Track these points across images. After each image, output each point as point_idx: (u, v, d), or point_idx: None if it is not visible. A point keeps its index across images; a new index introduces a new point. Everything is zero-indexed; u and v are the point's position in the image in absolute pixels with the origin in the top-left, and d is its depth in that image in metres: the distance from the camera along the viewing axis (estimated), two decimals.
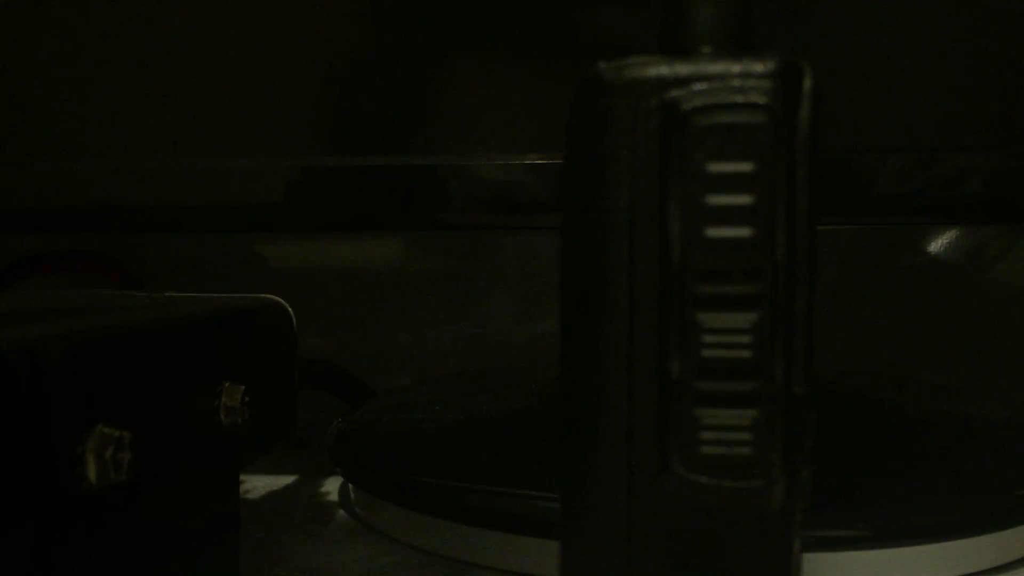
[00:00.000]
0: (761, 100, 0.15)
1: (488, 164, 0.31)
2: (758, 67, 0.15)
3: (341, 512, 0.32)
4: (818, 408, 0.16)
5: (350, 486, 0.33)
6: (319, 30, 0.31)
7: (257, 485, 0.35)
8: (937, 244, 0.47)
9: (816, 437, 0.15)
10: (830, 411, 0.32)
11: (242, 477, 0.23)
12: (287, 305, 0.26)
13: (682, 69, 0.15)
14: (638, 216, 0.15)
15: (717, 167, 0.15)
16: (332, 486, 0.35)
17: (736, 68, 0.15)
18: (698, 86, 0.15)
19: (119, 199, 0.34)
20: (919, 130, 0.29)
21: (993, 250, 0.47)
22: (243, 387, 0.21)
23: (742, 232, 0.15)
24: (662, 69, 0.15)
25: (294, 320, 0.26)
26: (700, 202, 0.15)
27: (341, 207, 0.34)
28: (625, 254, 0.15)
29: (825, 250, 0.16)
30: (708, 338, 0.15)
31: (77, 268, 0.42)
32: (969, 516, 0.26)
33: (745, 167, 0.15)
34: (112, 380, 0.17)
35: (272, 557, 0.28)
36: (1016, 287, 0.47)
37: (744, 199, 0.15)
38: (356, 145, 0.32)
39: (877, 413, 0.35)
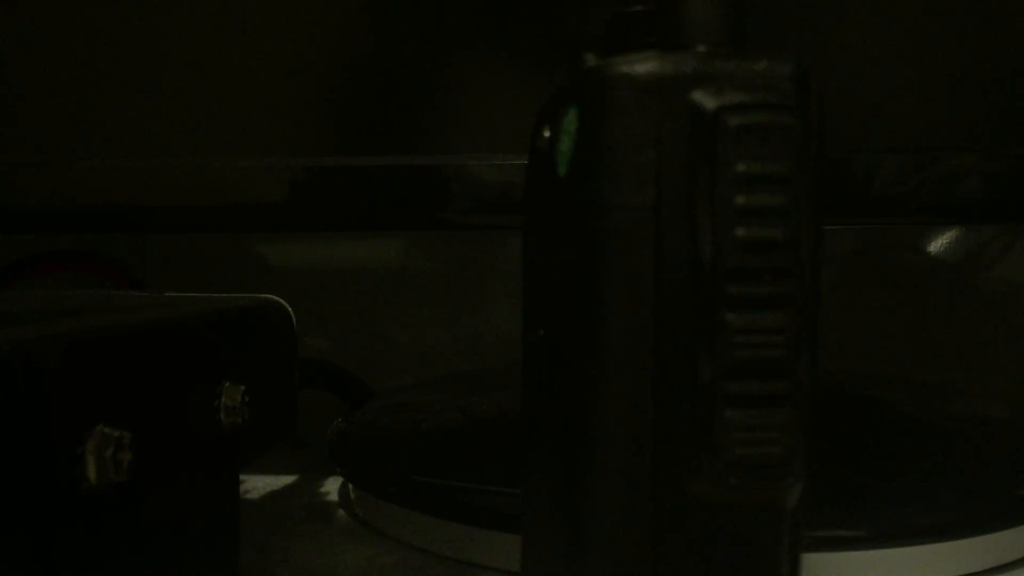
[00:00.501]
0: (792, 102, 0.15)
1: (488, 164, 0.31)
2: (782, 68, 0.15)
3: (341, 512, 0.32)
4: (819, 408, 0.16)
5: (350, 486, 0.33)
6: (320, 30, 0.31)
7: (257, 485, 0.35)
8: (937, 244, 0.47)
9: (817, 437, 0.16)
10: (830, 411, 0.32)
11: (242, 477, 0.23)
12: (287, 305, 0.26)
13: (702, 66, 0.15)
14: (664, 215, 0.15)
15: (749, 167, 0.14)
16: (332, 486, 0.35)
17: (759, 68, 0.15)
18: (722, 84, 0.15)
19: (119, 199, 0.34)
20: (919, 130, 0.29)
21: (993, 250, 0.47)
22: (243, 387, 0.22)
23: (773, 232, 0.14)
24: (680, 65, 0.15)
25: (294, 320, 0.26)
26: (731, 202, 0.14)
27: (341, 207, 0.34)
28: (651, 254, 0.15)
29: (825, 250, 0.16)
30: (738, 338, 0.15)
31: (77, 268, 0.42)
32: (969, 516, 0.26)
33: (778, 168, 0.14)
34: (112, 380, 0.17)
35: (272, 557, 0.28)
36: (1016, 287, 0.47)
37: (777, 199, 0.14)
38: (356, 145, 0.32)
39: (877, 413, 0.35)
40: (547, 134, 0.16)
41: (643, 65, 0.15)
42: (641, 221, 0.15)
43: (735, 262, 0.14)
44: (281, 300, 0.26)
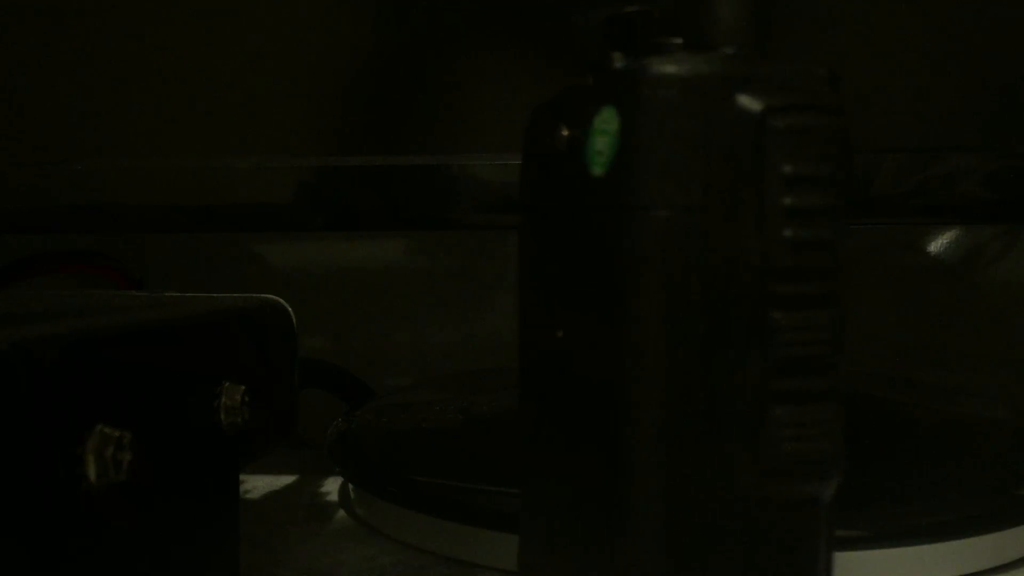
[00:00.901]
0: (832, 104, 0.15)
1: (490, 164, 0.31)
2: (818, 71, 0.15)
3: (341, 512, 0.32)
4: None
5: (350, 486, 0.33)
6: (322, 31, 0.31)
7: (257, 485, 0.35)
8: (937, 244, 0.47)
9: None
10: None
11: (242, 477, 0.23)
12: (287, 305, 0.26)
13: (747, 68, 0.15)
14: (711, 215, 0.15)
15: (796, 168, 0.15)
16: (332, 486, 0.35)
17: (798, 71, 0.15)
18: (766, 86, 0.15)
19: (119, 199, 0.34)
20: (919, 130, 0.29)
21: (993, 250, 0.47)
22: (243, 387, 0.21)
23: (818, 232, 0.15)
24: (726, 67, 0.15)
25: (294, 320, 0.26)
26: (779, 202, 0.15)
27: (342, 207, 0.34)
28: (697, 253, 0.15)
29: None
30: (786, 336, 0.15)
31: (77, 268, 0.42)
32: (969, 516, 0.26)
33: (823, 169, 0.15)
34: (112, 380, 0.17)
35: (272, 557, 0.28)
36: (1016, 287, 0.47)
37: (821, 200, 0.15)
38: (358, 145, 0.32)
39: (877, 413, 0.35)
40: (566, 133, 0.16)
41: (689, 66, 0.15)
42: (688, 221, 0.15)
43: (783, 262, 0.15)
44: (281, 300, 0.26)
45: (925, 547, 0.25)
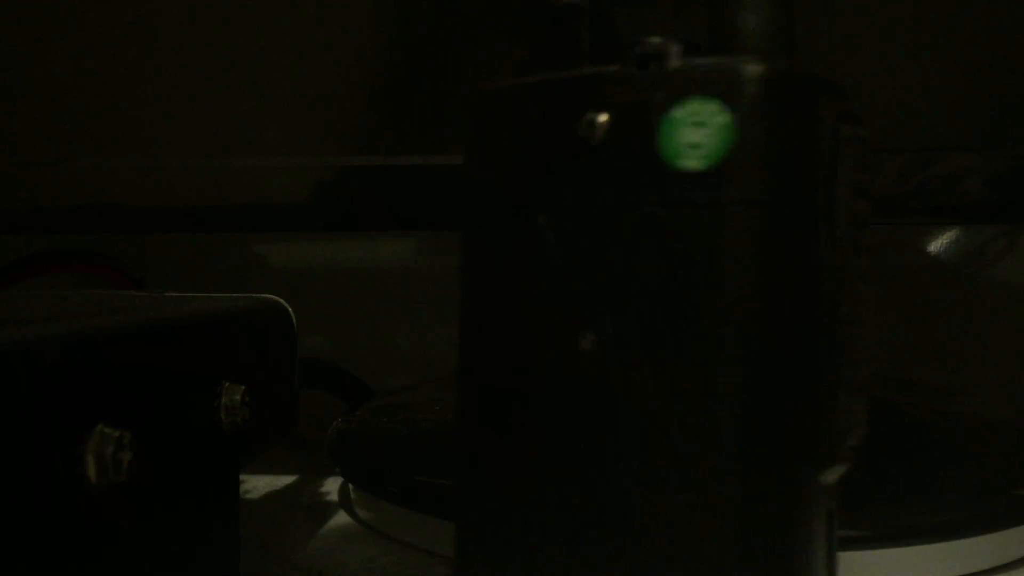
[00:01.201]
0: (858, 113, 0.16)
1: None
2: (839, 83, 0.16)
3: (341, 512, 0.32)
4: None
5: (350, 486, 0.33)
6: (324, 33, 0.31)
7: (257, 485, 0.35)
8: (937, 244, 0.47)
9: None
10: None
11: (242, 477, 0.23)
12: (287, 305, 0.26)
13: (821, 75, 0.16)
14: (801, 214, 0.16)
15: (860, 176, 0.16)
16: (332, 486, 0.35)
17: (835, 81, 0.16)
18: (833, 93, 0.16)
19: (119, 199, 0.34)
20: (919, 130, 0.29)
21: (993, 250, 0.47)
22: (243, 387, 0.22)
23: (866, 237, 0.16)
24: (813, 73, 0.16)
25: (294, 320, 0.26)
26: (848, 207, 0.16)
27: (343, 207, 0.34)
28: (790, 252, 0.15)
29: None
30: (851, 331, 0.16)
31: (77, 268, 0.42)
32: (969, 516, 0.26)
33: (869, 177, 0.16)
34: (112, 380, 0.17)
35: (272, 557, 0.28)
36: (1016, 287, 0.47)
37: (869, 206, 0.16)
38: (359, 145, 0.32)
39: (878, 413, 0.35)
40: (602, 119, 0.16)
41: (784, 67, 0.16)
42: (784, 218, 0.15)
43: (852, 262, 0.16)
44: (281, 300, 0.26)
45: (925, 547, 0.25)
